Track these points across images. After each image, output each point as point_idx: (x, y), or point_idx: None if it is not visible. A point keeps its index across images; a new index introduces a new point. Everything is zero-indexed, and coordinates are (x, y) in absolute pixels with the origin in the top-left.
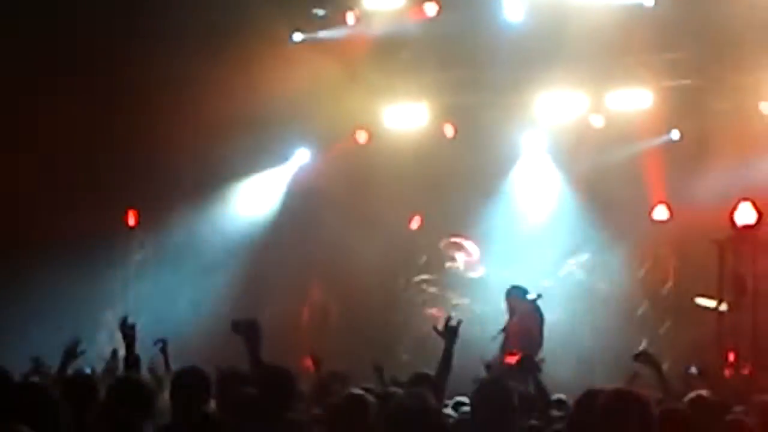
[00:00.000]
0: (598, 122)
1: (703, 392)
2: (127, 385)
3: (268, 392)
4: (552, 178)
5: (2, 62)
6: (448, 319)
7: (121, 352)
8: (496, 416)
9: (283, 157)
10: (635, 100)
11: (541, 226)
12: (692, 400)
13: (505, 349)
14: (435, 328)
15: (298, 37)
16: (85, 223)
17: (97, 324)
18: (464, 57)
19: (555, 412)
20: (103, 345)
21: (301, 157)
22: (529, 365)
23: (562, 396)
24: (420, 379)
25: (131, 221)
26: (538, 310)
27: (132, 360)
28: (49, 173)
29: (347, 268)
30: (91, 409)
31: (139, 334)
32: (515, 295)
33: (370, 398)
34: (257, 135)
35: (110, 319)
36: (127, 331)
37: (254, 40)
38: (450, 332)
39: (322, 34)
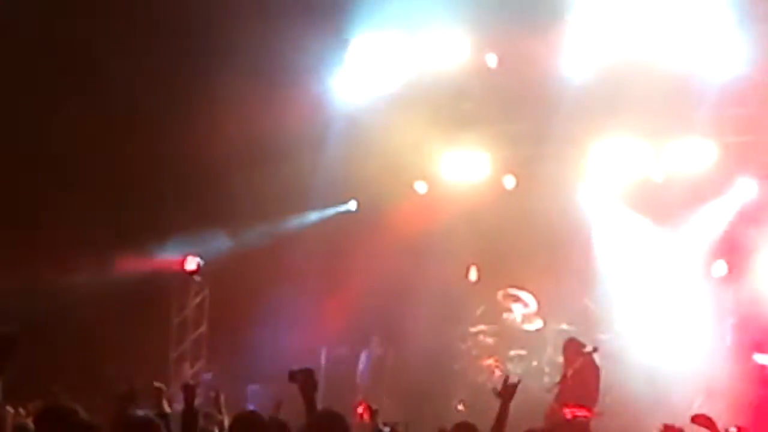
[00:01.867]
0: (658, 177)
1: None
2: None
3: None
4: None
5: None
6: (507, 378)
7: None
8: None
9: (336, 204)
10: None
11: (600, 276)
12: None
13: (561, 402)
14: (494, 390)
15: None
16: None
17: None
18: (525, 109)
19: None
20: None
21: (349, 206)
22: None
23: None
24: (464, 428)
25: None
26: (594, 363)
27: (190, 417)
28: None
29: (406, 318)
30: None
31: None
32: (572, 347)
33: None
34: (311, 178)
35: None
36: (188, 391)
37: None
38: (508, 389)
39: None
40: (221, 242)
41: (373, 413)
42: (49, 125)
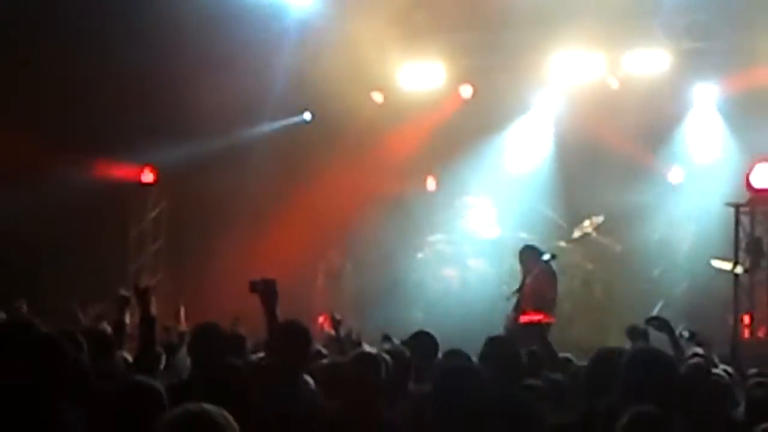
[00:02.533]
0: (614, 84)
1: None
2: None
3: (285, 348)
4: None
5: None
6: None
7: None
8: (502, 373)
9: (290, 114)
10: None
11: (557, 187)
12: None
13: (519, 309)
14: None
15: None
16: None
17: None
18: (482, 17)
19: (556, 375)
20: None
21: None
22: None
23: (569, 355)
24: (421, 336)
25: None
26: (552, 270)
27: (148, 321)
28: None
29: (363, 229)
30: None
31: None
32: (529, 255)
33: (382, 356)
34: (265, 88)
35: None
36: (141, 295)
37: None
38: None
39: None
40: (177, 153)
41: (335, 323)
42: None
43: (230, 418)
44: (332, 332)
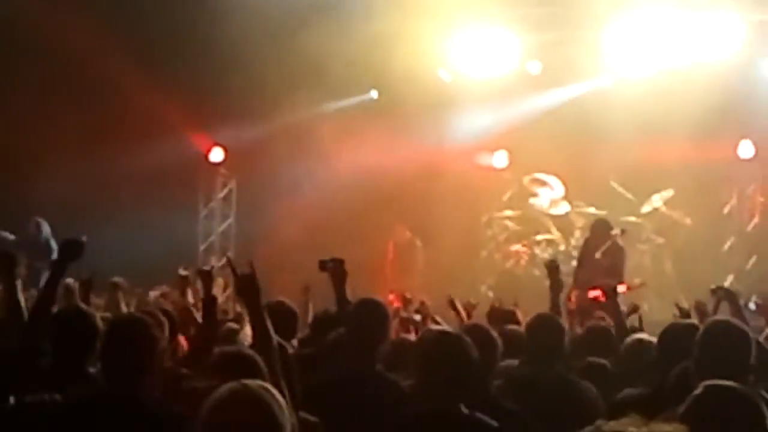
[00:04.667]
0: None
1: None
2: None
3: (362, 326)
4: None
5: None
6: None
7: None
8: (547, 351)
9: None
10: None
11: (626, 162)
12: None
13: (587, 284)
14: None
15: None
16: None
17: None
18: None
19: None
20: None
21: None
22: (613, 298)
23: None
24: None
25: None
26: (621, 245)
27: (209, 303)
28: None
29: (431, 205)
30: None
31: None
32: (600, 229)
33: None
34: (330, 75)
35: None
36: (203, 276)
37: None
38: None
39: None
40: (245, 132)
41: (406, 301)
42: None
43: (275, 392)
44: (402, 311)
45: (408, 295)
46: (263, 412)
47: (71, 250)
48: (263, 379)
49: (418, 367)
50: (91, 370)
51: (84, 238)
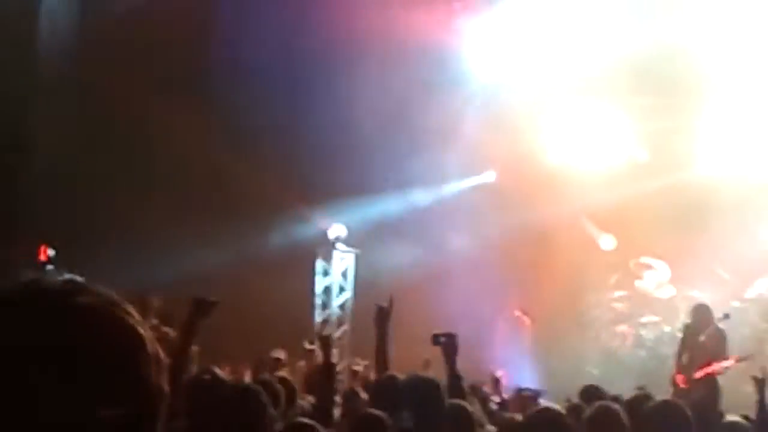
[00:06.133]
0: None
1: None
2: None
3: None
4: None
5: None
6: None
7: None
8: None
9: (468, 173)
10: None
11: (730, 247)
12: None
13: (692, 367)
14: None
15: None
16: None
17: None
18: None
19: None
20: None
21: (487, 177)
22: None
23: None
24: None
25: None
26: (722, 330)
27: (328, 369)
28: None
29: (541, 286)
30: None
31: None
32: (702, 314)
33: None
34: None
35: None
36: (323, 342)
37: None
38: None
39: None
40: (364, 211)
41: (496, 383)
42: None
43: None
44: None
45: (499, 374)
46: None
47: (204, 308)
48: None
49: None
50: None
51: (214, 299)
